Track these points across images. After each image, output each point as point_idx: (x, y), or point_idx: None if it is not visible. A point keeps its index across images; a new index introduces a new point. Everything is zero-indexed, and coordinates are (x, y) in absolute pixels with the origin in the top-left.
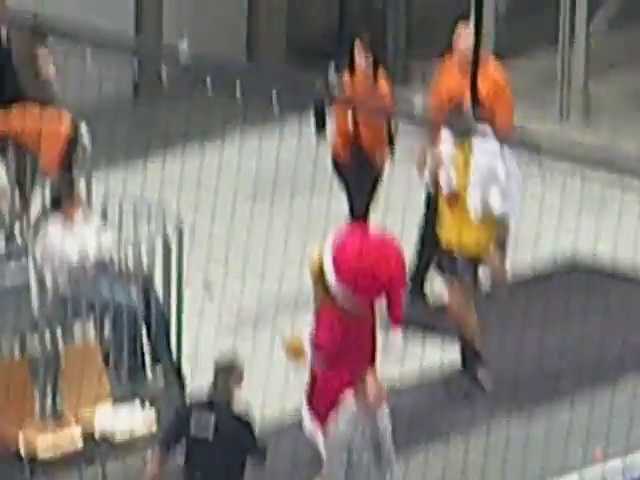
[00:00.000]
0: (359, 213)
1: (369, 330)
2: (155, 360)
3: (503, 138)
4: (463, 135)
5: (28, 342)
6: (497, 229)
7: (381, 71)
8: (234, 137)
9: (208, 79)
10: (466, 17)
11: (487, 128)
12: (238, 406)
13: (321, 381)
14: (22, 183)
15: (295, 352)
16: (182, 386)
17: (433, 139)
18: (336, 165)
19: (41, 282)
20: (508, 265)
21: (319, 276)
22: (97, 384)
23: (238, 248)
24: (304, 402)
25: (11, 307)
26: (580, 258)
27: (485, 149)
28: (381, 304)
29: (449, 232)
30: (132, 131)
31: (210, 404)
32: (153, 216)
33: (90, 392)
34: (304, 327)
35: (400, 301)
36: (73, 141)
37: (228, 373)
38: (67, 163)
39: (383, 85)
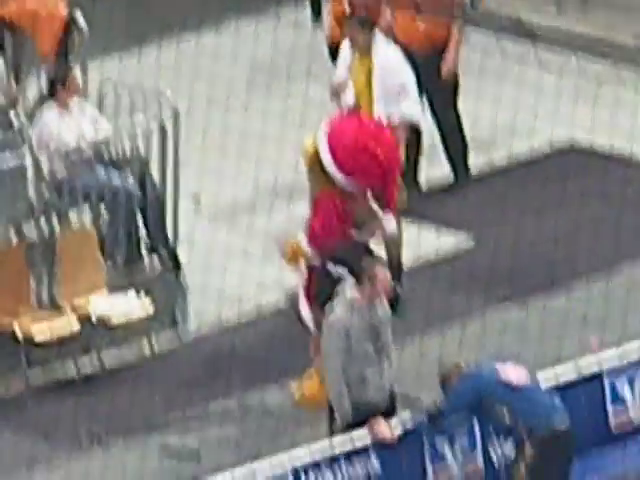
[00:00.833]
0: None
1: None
2: (152, 248)
3: None
4: (362, 50)
5: (24, 228)
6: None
7: None
8: (230, 24)
9: None
10: None
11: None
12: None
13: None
14: (18, 69)
15: (294, 255)
16: (178, 271)
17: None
18: (332, 51)
19: (37, 168)
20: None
21: (315, 163)
22: (93, 271)
23: (234, 135)
24: (301, 294)
25: (7, 194)
26: (577, 142)
27: (387, 60)
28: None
29: None
30: (128, 18)
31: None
32: (149, 103)
33: (86, 279)
34: (299, 219)
35: (395, 185)
36: (69, 26)
37: None
38: (63, 49)
39: None
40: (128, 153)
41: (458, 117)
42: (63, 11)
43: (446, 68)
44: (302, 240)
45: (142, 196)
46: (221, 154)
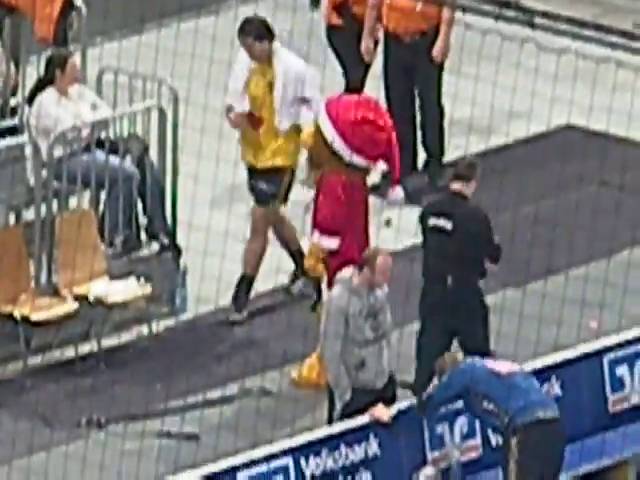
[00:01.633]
0: (354, 85)
1: (363, 203)
2: (151, 232)
3: None
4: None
5: (23, 213)
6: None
7: None
8: (229, 7)
9: None
10: None
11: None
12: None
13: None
14: (17, 53)
15: (316, 263)
16: (177, 255)
17: None
18: (330, 36)
19: (36, 151)
20: None
21: (319, 145)
22: (92, 255)
23: None
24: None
25: (7, 178)
26: (575, 125)
27: (289, 70)
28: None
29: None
30: (126, 2)
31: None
32: (148, 87)
33: (85, 263)
34: (298, 203)
35: (397, 159)
36: (67, 9)
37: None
38: (61, 32)
39: None
40: (127, 137)
41: (441, 108)
42: None
43: (439, 50)
44: (315, 240)
45: (141, 180)
46: (220, 137)
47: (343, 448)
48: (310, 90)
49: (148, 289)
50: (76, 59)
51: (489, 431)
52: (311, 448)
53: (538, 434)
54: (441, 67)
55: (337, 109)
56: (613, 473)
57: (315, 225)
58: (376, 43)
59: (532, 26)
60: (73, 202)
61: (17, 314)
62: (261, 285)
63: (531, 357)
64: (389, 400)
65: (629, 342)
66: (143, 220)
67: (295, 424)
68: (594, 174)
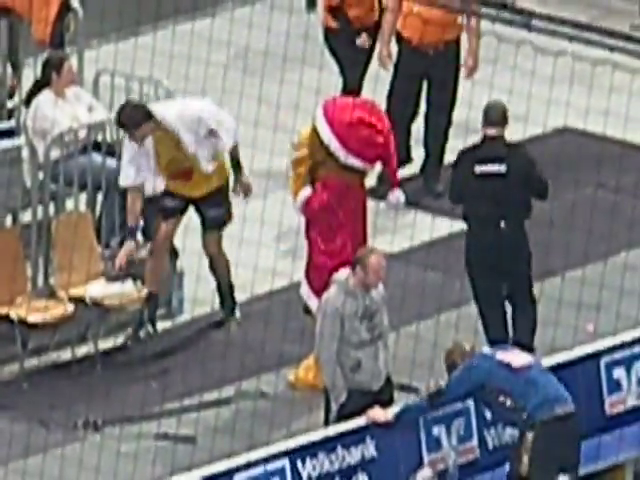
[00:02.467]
0: (351, 87)
1: (363, 204)
2: (147, 236)
3: None
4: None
5: (20, 214)
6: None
7: None
8: (225, 9)
9: None
10: None
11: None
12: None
13: (323, 256)
14: (14, 56)
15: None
16: (174, 257)
17: None
18: (327, 38)
19: (32, 153)
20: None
21: (315, 149)
22: (89, 257)
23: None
24: (303, 275)
25: (3, 180)
26: (571, 127)
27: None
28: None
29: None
30: (122, 4)
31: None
32: (145, 89)
33: (82, 265)
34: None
35: (395, 161)
36: (64, 10)
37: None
38: (58, 34)
39: None
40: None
41: (451, 117)
42: None
43: (472, 67)
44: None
45: None
46: None
47: (340, 450)
48: (211, 121)
49: (144, 291)
50: (73, 61)
51: (486, 433)
52: (308, 450)
53: (556, 430)
54: (457, 76)
55: (333, 111)
56: (610, 475)
57: (307, 275)
58: (374, 43)
59: (529, 28)
60: (70, 204)
61: (14, 316)
62: (257, 288)
63: None
64: (386, 402)
65: (626, 344)
66: (139, 222)
67: (292, 426)
68: (591, 176)
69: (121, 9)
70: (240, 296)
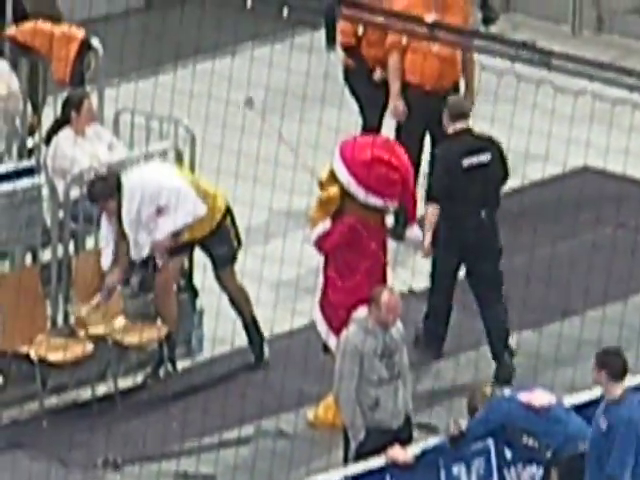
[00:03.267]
0: (371, 126)
1: (381, 243)
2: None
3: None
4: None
5: (40, 252)
6: None
7: None
8: (245, 48)
9: None
10: None
11: None
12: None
13: (339, 293)
14: (34, 94)
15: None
16: (193, 295)
17: None
18: (346, 76)
19: (52, 191)
20: None
21: (332, 184)
22: None
23: (249, 159)
24: (317, 309)
25: (23, 218)
26: (591, 166)
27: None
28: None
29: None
30: (143, 43)
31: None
32: (165, 127)
33: (102, 305)
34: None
35: (414, 198)
36: (84, 49)
37: None
38: (78, 72)
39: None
40: None
41: None
42: (78, 33)
43: (469, 99)
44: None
45: None
46: (236, 178)
47: None
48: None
49: (164, 330)
50: (93, 100)
51: (505, 472)
52: None
53: (580, 466)
54: None
55: (350, 150)
56: None
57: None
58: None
59: (548, 67)
60: (90, 242)
61: (33, 354)
62: (277, 327)
63: None
64: (405, 441)
65: None
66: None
67: (311, 465)
68: (610, 216)
69: (141, 48)
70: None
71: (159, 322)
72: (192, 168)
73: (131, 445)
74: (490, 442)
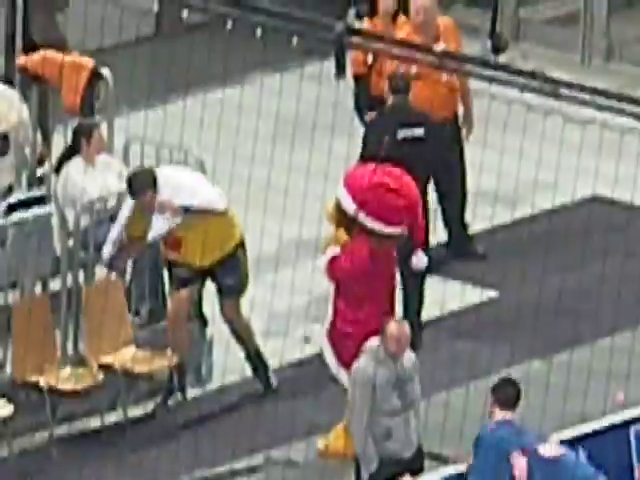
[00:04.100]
0: (379, 156)
1: (393, 270)
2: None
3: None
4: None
5: (50, 282)
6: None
7: (402, 17)
8: (254, 77)
9: (229, 20)
10: None
11: None
12: None
13: (346, 322)
14: (44, 123)
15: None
16: (203, 325)
17: None
18: (358, 105)
19: (62, 221)
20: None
21: (339, 216)
22: (119, 324)
23: (259, 188)
24: (326, 340)
25: (33, 248)
26: (600, 196)
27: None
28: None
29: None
30: (152, 72)
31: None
32: (175, 157)
33: (112, 333)
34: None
35: (421, 223)
36: (94, 78)
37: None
38: (88, 102)
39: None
40: None
41: (464, 193)
42: (88, 63)
43: (469, 125)
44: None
45: None
46: (246, 207)
47: None
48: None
49: (175, 359)
50: (103, 129)
51: None
52: None
53: None
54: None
55: (355, 178)
56: None
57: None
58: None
59: (557, 97)
60: (100, 271)
61: (43, 384)
62: (287, 356)
63: (558, 428)
64: (417, 471)
65: None
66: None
67: None
68: (619, 245)
69: (151, 77)
70: (271, 364)
71: (169, 351)
72: None
73: (141, 475)
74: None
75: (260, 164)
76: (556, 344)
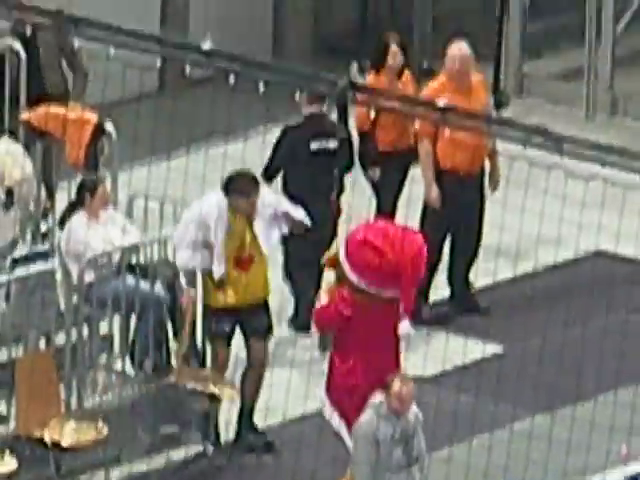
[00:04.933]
0: (385, 210)
1: (390, 328)
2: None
3: None
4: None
5: (54, 336)
6: None
7: (407, 72)
8: (258, 133)
9: (231, 75)
10: (493, 13)
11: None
12: None
13: (338, 374)
14: (48, 179)
15: (334, 263)
16: None
17: None
18: (362, 162)
19: (66, 275)
20: None
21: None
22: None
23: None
24: (324, 394)
25: (37, 303)
26: (603, 251)
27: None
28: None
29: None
30: (155, 127)
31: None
32: (178, 211)
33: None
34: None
35: (410, 292)
36: (98, 132)
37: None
38: (92, 156)
39: (409, 85)
40: (157, 261)
41: (476, 251)
42: (92, 117)
43: (494, 184)
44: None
45: (172, 304)
46: None
47: None
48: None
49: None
50: (106, 184)
51: None
52: None
53: None
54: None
55: (354, 231)
56: None
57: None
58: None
59: (560, 152)
60: (104, 327)
61: (47, 439)
62: (290, 411)
63: None
64: None
65: None
66: (173, 345)
67: None
68: (623, 300)
69: (154, 132)
70: (273, 420)
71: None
72: None
73: None
74: None
75: None
76: (559, 398)
